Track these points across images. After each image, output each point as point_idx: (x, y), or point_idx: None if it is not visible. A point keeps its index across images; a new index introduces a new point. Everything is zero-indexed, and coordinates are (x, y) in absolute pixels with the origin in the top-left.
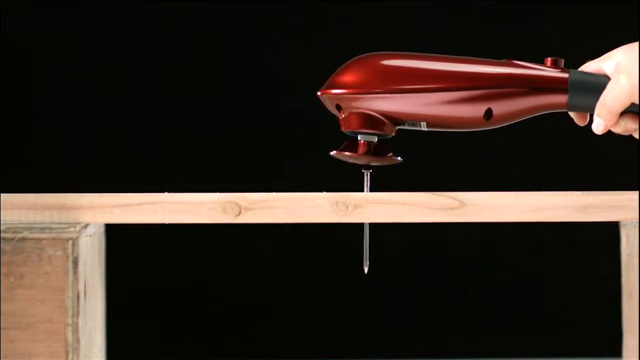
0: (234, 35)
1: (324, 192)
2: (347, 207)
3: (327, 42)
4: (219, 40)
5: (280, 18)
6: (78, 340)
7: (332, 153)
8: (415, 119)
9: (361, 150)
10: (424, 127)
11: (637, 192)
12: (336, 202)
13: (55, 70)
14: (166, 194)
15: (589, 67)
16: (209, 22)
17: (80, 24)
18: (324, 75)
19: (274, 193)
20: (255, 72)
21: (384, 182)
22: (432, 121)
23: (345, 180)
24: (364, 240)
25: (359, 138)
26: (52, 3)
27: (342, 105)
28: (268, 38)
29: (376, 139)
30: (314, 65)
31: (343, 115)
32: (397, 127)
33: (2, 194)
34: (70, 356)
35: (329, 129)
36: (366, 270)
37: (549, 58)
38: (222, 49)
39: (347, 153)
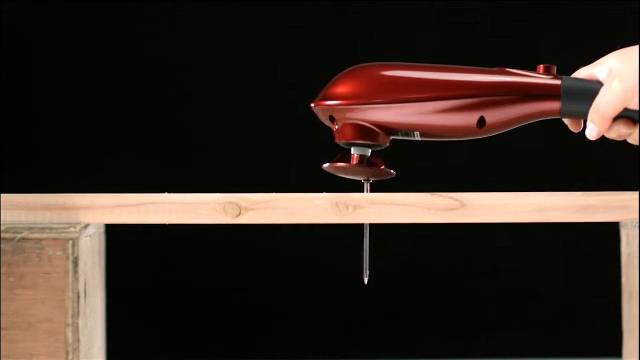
0: (235, 36)
1: (324, 193)
2: (347, 208)
3: (327, 43)
4: (220, 41)
5: (280, 19)
6: (78, 340)
7: (324, 166)
8: (408, 128)
9: (353, 162)
10: (417, 136)
11: (637, 192)
12: (336, 203)
13: (55, 70)
14: (166, 194)
15: (581, 73)
16: (210, 22)
17: (81, 24)
18: (324, 78)
19: (274, 193)
20: (256, 73)
21: (383, 183)
22: (425, 130)
23: (345, 181)
24: (364, 247)
25: (352, 150)
26: (53, 3)
27: (336, 116)
28: (269, 39)
29: (370, 151)
30: (314, 67)
31: (337, 127)
32: (391, 138)
33: (2, 194)
34: (70, 356)
35: (329, 129)
36: (366, 280)
37: (541, 65)
38: (223, 49)
39: (339, 165)
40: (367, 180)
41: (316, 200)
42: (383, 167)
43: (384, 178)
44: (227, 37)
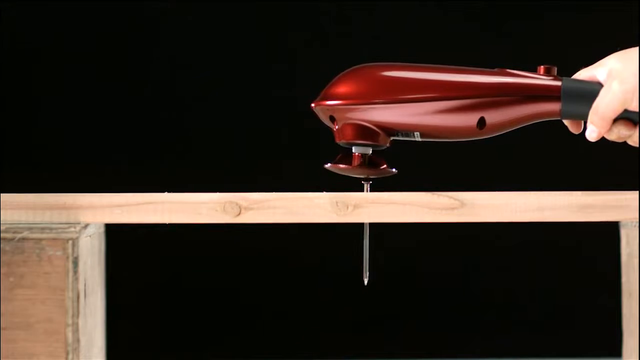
0: (235, 36)
1: (324, 192)
2: (347, 207)
3: (327, 43)
4: (219, 41)
5: (281, 20)
6: (78, 340)
7: (326, 166)
8: (408, 129)
9: (355, 162)
10: (417, 137)
11: (637, 192)
12: (336, 202)
13: (55, 70)
14: (166, 194)
15: (582, 74)
16: (210, 22)
17: (81, 24)
18: (324, 79)
19: (274, 193)
20: (256, 73)
21: (384, 183)
22: (425, 131)
23: (345, 181)
24: (364, 247)
25: (353, 150)
26: (53, 2)
27: (336, 116)
28: (269, 39)
29: (370, 150)
30: (315, 66)
31: (337, 127)
32: (391, 138)
33: (2, 194)
34: (70, 356)
35: (329, 129)
36: (366, 282)
37: (542, 66)
38: (223, 49)
39: (341, 165)
40: (368, 179)
41: (316, 199)
42: (384, 165)
43: (385, 176)
44: (226, 36)
